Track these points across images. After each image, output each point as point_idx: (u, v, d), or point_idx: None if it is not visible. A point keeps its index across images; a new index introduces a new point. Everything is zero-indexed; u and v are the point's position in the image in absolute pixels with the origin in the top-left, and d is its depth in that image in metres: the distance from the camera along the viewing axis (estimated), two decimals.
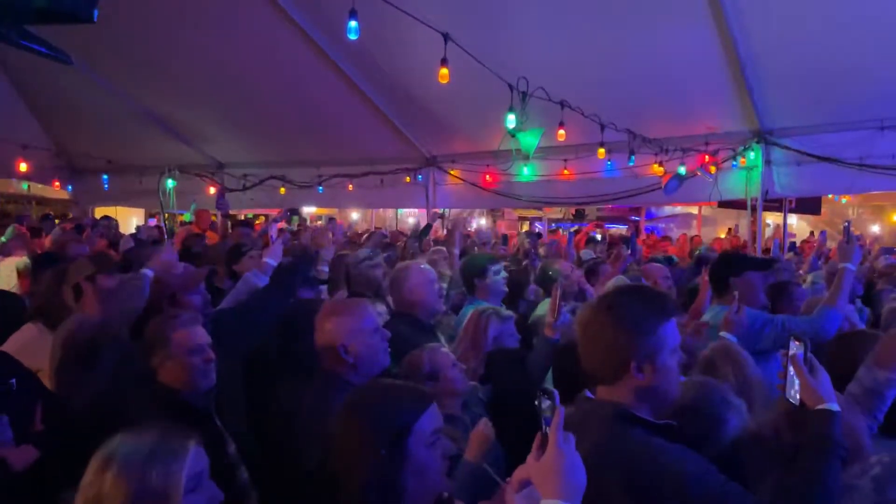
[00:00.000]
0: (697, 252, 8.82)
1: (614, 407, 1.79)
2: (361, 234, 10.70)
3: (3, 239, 6.07)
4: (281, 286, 3.56)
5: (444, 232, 10.69)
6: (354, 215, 17.04)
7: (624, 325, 1.78)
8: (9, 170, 10.05)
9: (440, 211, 10.38)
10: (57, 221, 9.98)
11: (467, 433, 2.60)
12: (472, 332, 3.46)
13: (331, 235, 5.54)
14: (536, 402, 1.40)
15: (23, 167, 9.77)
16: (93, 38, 6.58)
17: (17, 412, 2.47)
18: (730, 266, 3.79)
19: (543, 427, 1.38)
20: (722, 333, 3.17)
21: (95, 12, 1.53)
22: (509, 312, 3.70)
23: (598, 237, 11.24)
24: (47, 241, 6.70)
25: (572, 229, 12.81)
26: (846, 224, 3.71)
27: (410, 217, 16.65)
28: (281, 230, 8.74)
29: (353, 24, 4.27)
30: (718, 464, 1.73)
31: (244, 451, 2.63)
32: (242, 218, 11.54)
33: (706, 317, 3.73)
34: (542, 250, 7.93)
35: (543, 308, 4.29)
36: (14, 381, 2.59)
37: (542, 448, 1.37)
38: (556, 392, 1.39)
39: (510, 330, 3.53)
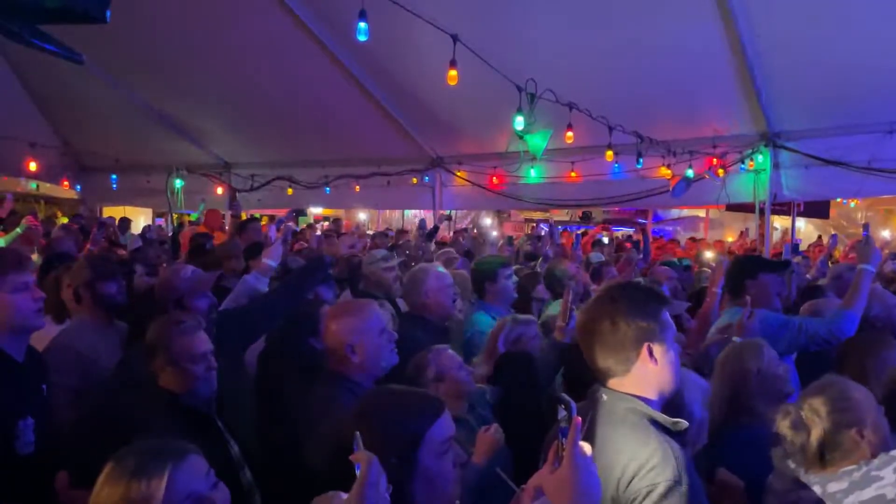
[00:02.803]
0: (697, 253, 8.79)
1: (630, 401, 1.81)
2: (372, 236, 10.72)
3: (18, 230, 6.12)
4: (290, 290, 3.55)
5: (451, 234, 10.70)
6: (362, 216, 17.04)
7: (631, 312, 1.84)
8: (18, 169, 10.07)
9: (446, 213, 10.37)
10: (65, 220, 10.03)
11: (473, 435, 2.59)
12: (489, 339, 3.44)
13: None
14: (555, 408, 1.38)
15: (32, 166, 9.78)
16: (101, 37, 6.59)
17: (43, 416, 2.51)
18: (745, 268, 3.80)
19: (559, 437, 1.36)
20: (735, 339, 3.17)
21: (108, 12, 1.53)
22: (529, 316, 3.67)
23: (605, 240, 11.21)
24: None
25: (579, 231, 12.79)
26: (865, 225, 3.70)
27: (416, 219, 16.64)
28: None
29: (362, 25, 4.25)
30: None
31: (247, 452, 2.64)
32: (246, 217, 11.51)
33: (723, 319, 3.72)
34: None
35: (554, 308, 4.29)
36: (45, 386, 2.62)
37: (559, 458, 1.36)
38: (573, 403, 1.37)
39: (532, 332, 3.48)
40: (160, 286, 3.35)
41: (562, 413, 1.36)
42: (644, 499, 1.65)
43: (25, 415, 2.39)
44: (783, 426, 1.97)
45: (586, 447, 1.36)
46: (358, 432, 1.43)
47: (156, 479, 1.54)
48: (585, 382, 2.00)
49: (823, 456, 1.86)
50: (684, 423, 1.80)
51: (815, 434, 1.88)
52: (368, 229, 14.13)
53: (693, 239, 13.41)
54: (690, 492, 1.68)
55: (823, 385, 2.11)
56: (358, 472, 1.36)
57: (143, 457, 1.59)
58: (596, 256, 7.39)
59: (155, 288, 3.44)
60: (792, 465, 1.92)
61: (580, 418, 1.36)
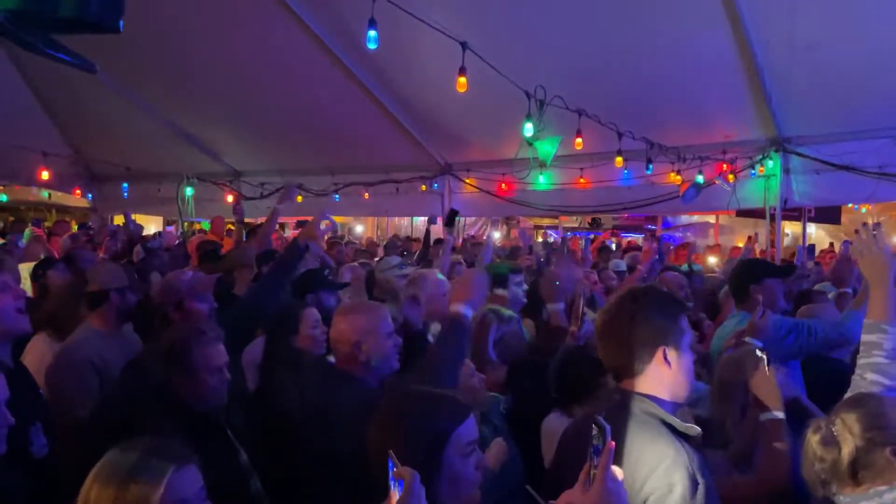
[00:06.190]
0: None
1: (642, 401, 1.81)
2: (376, 245, 10.73)
3: (22, 241, 6.11)
4: (274, 275, 3.50)
5: (460, 241, 10.68)
6: (359, 228, 17.02)
7: (653, 312, 1.87)
8: (30, 178, 10.14)
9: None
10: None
11: (485, 445, 2.57)
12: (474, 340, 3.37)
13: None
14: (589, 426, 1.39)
15: (44, 175, 9.84)
16: (111, 46, 6.61)
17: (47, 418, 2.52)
18: (749, 273, 3.76)
19: (593, 458, 1.37)
20: (746, 339, 3.13)
21: (121, 22, 1.54)
22: (510, 312, 3.61)
23: (613, 246, 11.19)
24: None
25: (589, 237, 12.76)
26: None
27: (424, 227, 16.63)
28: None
29: (372, 33, 4.26)
30: None
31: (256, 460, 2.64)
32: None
33: (730, 324, 3.69)
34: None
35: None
36: (42, 391, 2.63)
37: (590, 479, 1.36)
38: (607, 426, 1.38)
39: (514, 330, 3.47)
40: (161, 289, 3.34)
41: (594, 432, 1.37)
42: (664, 497, 1.64)
43: (33, 419, 2.41)
44: (814, 441, 1.90)
45: (618, 472, 1.36)
46: (391, 451, 1.46)
47: (156, 479, 1.54)
48: (583, 382, 2.00)
49: (856, 474, 1.78)
50: (696, 429, 1.79)
51: (847, 451, 1.81)
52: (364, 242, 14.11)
53: (707, 245, 13.32)
54: (707, 493, 1.67)
55: (859, 400, 2.02)
56: (393, 486, 1.41)
57: (146, 455, 1.60)
58: (619, 264, 7.37)
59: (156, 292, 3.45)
60: (821, 485, 1.86)
61: (613, 443, 1.37)
